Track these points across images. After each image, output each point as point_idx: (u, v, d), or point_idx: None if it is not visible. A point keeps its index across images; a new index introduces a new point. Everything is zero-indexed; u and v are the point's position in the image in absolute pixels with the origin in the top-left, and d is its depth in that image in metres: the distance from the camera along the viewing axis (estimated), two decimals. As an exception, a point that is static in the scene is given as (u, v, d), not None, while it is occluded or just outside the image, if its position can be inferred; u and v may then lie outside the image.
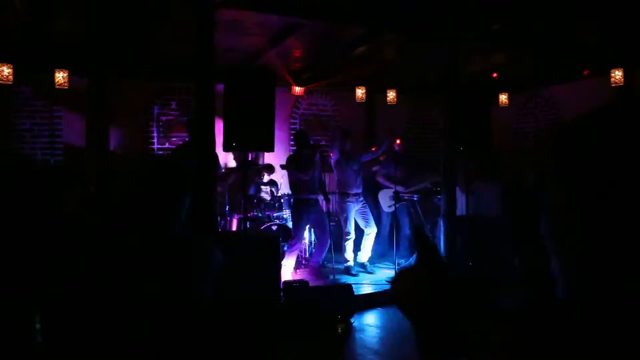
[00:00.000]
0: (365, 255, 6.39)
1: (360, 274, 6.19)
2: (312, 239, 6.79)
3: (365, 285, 5.73)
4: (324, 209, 6.31)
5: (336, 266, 6.35)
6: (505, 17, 5.12)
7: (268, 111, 4.59)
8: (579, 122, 0.64)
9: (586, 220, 0.61)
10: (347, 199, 6.29)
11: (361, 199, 6.39)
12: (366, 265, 6.36)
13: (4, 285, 2.14)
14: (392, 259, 6.24)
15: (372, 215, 6.47)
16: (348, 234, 6.31)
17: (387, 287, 5.63)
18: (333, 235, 6.63)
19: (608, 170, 0.58)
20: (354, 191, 6.32)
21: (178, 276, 1.84)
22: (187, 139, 6.21)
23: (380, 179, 6.96)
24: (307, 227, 6.42)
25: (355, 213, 6.33)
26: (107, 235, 2.15)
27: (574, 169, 0.63)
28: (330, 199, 7.06)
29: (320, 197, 6.21)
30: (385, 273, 6.28)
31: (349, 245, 6.33)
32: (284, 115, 8.20)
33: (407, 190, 6.65)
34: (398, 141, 7.05)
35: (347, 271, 6.25)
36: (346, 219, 6.31)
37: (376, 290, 5.53)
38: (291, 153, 6.24)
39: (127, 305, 1.73)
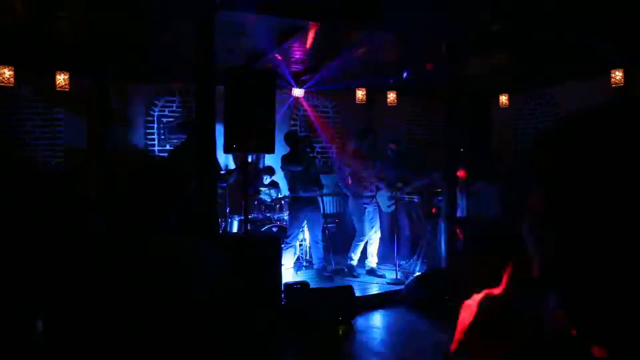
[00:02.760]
0: (373, 260, 6.35)
1: (365, 276, 6.16)
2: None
3: (367, 287, 5.72)
4: (322, 208, 6.30)
5: (337, 267, 6.34)
6: (504, 18, 5.12)
7: (269, 113, 4.60)
8: (560, 125, 0.65)
9: (561, 222, 0.62)
10: (362, 201, 6.28)
11: (374, 201, 6.38)
12: (376, 269, 6.31)
13: (5, 285, 2.15)
14: (392, 260, 6.24)
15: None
16: (362, 235, 6.28)
17: (390, 288, 5.63)
18: (333, 237, 6.62)
19: (584, 173, 0.60)
20: (368, 193, 6.31)
21: (177, 276, 1.84)
22: (185, 141, 6.21)
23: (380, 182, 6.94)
24: (306, 227, 6.40)
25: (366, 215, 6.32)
26: (105, 236, 2.15)
27: (550, 171, 0.64)
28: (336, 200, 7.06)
29: (318, 196, 6.21)
30: (386, 274, 6.27)
31: (360, 247, 6.29)
32: (284, 117, 8.21)
33: (407, 189, 6.65)
34: (392, 145, 7.07)
35: (350, 271, 6.22)
36: (360, 221, 6.28)
37: (378, 292, 5.53)
38: (285, 152, 6.25)
39: (126, 306, 1.73)
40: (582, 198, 0.57)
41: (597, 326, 0.59)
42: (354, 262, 6.31)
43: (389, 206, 6.68)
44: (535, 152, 0.65)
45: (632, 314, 0.55)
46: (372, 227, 6.30)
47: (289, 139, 6.26)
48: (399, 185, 6.63)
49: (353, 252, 6.31)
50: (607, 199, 0.56)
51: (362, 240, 6.27)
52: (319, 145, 8.50)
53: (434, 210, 6.43)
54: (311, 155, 6.19)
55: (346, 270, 6.30)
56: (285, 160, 6.08)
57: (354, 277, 6.10)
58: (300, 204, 6.06)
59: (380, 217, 6.54)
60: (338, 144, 8.69)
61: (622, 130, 0.58)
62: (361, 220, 6.26)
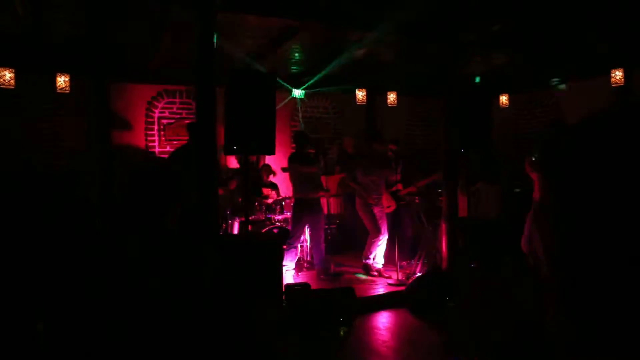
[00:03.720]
0: (379, 262, 6.34)
1: (372, 279, 6.11)
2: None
3: (370, 288, 5.71)
4: (325, 210, 6.30)
5: (337, 271, 6.33)
6: (505, 18, 5.13)
7: (269, 114, 4.59)
8: (564, 129, 0.67)
9: (565, 218, 0.63)
10: (369, 201, 6.26)
11: (381, 202, 6.36)
12: (381, 271, 6.25)
13: (8, 286, 2.14)
14: (393, 261, 6.21)
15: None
16: (377, 233, 6.24)
17: (391, 289, 5.62)
18: (334, 238, 6.59)
19: (587, 173, 0.60)
20: (376, 194, 6.30)
21: (177, 277, 1.85)
22: (187, 142, 6.22)
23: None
24: (307, 229, 6.39)
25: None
26: (107, 236, 2.15)
27: (556, 173, 0.65)
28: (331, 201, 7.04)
29: (321, 197, 6.20)
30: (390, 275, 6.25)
31: (376, 246, 6.26)
32: (284, 118, 8.22)
33: (406, 190, 6.65)
34: (392, 147, 7.06)
35: (367, 271, 6.20)
36: (371, 220, 6.27)
37: (379, 293, 5.52)
38: (293, 152, 6.21)
39: (126, 306, 1.73)
40: (591, 195, 0.57)
41: (601, 323, 0.59)
42: (370, 261, 6.26)
43: (388, 207, 6.68)
44: (545, 153, 0.67)
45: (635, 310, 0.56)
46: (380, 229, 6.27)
47: (299, 139, 6.24)
48: (398, 187, 6.63)
49: (369, 250, 6.27)
50: (614, 197, 0.56)
51: (377, 238, 6.24)
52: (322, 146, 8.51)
53: None
54: (318, 157, 6.18)
55: (363, 270, 6.27)
56: (296, 161, 6.05)
57: (372, 276, 6.06)
58: (305, 206, 6.04)
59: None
60: (340, 144, 8.72)
61: (628, 133, 0.58)
62: (372, 220, 6.23)
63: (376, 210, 6.26)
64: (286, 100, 8.00)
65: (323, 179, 6.43)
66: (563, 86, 7.67)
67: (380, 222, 6.27)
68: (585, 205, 0.60)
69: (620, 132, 0.61)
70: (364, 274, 6.17)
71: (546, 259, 4.46)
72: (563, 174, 0.63)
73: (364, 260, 6.31)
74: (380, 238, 6.24)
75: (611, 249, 0.58)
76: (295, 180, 6.11)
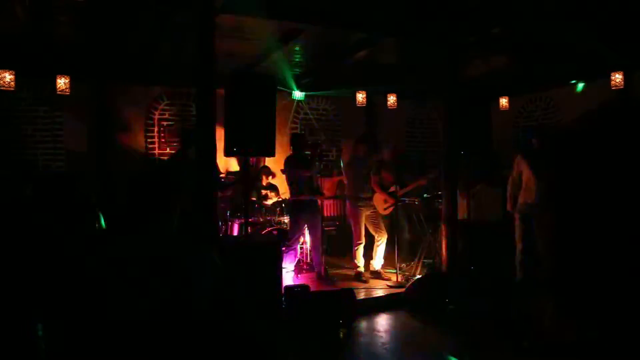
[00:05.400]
0: (378, 263, 6.32)
1: (371, 281, 6.10)
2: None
3: (368, 290, 5.70)
4: (322, 211, 6.29)
5: (337, 271, 6.32)
6: (505, 21, 5.13)
7: (269, 116, 4.60)
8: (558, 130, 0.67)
9: (559, 214, 0.63)
10: (359, 204, 6.25)
11: (371, 204, 6.36)
12: (380, 272, 6.27)
13: (5, 287, 2.14)
14: (392, 262, 6.21)
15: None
16: (359, 239, 6.26)
17: (390, 291, 5.62)
18: (334, 240, 6.57)
19: (579, 171, 0.61)
20: (366, 196, 6.29)
21: (179, 279, 1.85)
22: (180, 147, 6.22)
23: (375, 187, 6.88)
24: (306, 230, 6.38)
25: (365, 218, 6.30)
26: (107, 238, 2.15)
27: (550, 170, 0.65)
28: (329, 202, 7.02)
29: (318, 199, 6.20)
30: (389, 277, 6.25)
31: (359, 251, 6.25)
32: (284, 120, 8.23)
33: (402, 191, 6.65)
34: (385, 155, 7.05)
35: (358, 277, 6.16)
36: (357, 224, 6.26)
37: (379, 295, 5.51)
38: (290, 154, 6.21)
39: (129, 306, 1.73)
40: (587, 193, 0.58)
41: (600, 322, 0.59)
42: (361, 269, 6.25)
43: (385, 208, 6.67)
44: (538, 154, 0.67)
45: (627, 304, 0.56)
46: (377, 231, 6.26)
47: (296, 142, 6.24)
48: (395, 188, 6.63)
49: (355, 258, 6.28)
50: (610, 195, 0.56)
51: (360, 244, 6.25)
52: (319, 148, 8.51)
53: None
54: (315, 160, 6.19)
55: (354, 275, 6.25)
56: (292, 164, 6.05)
57: (363, 282, 6.03)
58: (301, 208, 6.03)
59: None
60: (338, 147, 8.74)
61: (621, 130, 0.58)
62: (357, 224, 6.24)
63: (365, 213, 6.25)
64: (286, 102, 8.00)
65: (320, 181, 6.42)
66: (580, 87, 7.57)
67: (374, 224, 6.26)
68: (581, 204, 0.60)
69: (616, 128, 0.61)
70: (357, 280, 6.12)
71: (545, 257, 4.46)
72: (562, 173, 0.63)
73: (355, 269, 6.29)
74: (359, 243, 6.23)
75: (609, 248, 0.58)
76: (292, 182, 6.12)
